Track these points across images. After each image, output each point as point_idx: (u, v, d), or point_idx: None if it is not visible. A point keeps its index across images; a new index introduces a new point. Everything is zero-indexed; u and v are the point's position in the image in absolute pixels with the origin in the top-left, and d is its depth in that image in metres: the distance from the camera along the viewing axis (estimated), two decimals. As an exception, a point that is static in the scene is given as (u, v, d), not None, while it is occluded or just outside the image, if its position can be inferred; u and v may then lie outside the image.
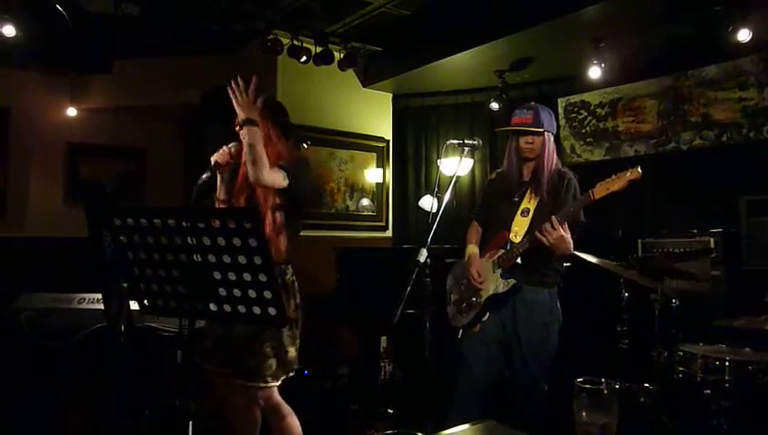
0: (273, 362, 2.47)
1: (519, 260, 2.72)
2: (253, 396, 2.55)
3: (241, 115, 2.47)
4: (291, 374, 2.58)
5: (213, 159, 2.53)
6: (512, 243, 2.73)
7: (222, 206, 2.62)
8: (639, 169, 2.42)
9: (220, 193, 2.62)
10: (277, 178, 2.48)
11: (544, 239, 2.54)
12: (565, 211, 2.59)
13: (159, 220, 1.80)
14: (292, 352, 2.55)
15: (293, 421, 2.61)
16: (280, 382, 2.54)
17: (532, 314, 2.72)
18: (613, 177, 2.48)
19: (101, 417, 3.17)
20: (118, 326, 2.77)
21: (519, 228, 2.73)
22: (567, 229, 2.55)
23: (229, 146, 2.55)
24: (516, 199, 2.81)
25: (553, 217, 2.54)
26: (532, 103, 2.89)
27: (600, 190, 2.50)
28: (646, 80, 4.98)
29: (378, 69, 5.79)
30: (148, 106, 6.00)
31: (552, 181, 2.76)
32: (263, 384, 2.47)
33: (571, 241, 2.58)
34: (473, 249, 2.95)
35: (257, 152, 2.42)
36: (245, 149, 2.45)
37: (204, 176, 2.46)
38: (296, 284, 2.62)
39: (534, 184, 2.78)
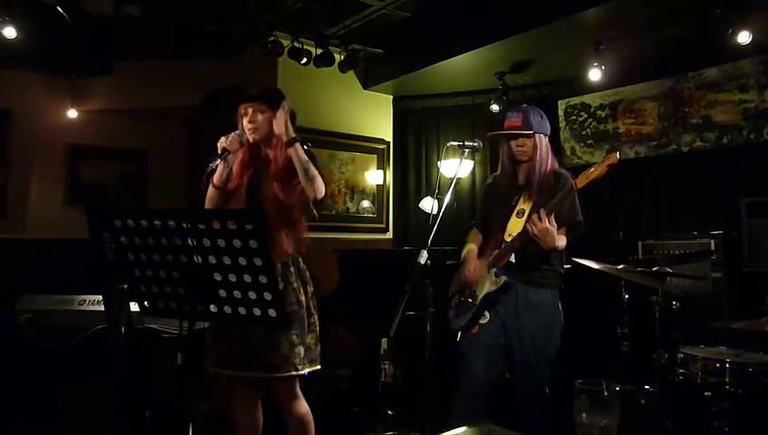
0: (301, 349, 2.47)
1: (513, 259, 2.73)
2: (279, 387, 2.52)
3: (284, 136, 2.50)
4: (317, 367, 2.56)
5: (221, 145, 2.51)
6: (505, 243, 2.74)
7: (217, 190, 2.58)
8: (617, 155, 2.45)
9: (218, 179, 2.57)
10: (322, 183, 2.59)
11: (529, 228, 2.58)
12: (551, 203, 2.60)
13: (160, 222, 1.81)
14: (312, 338, 2.56)
15: (310, 421, 2.61)
16: (307, 372, 2.52)
17: (535, 315, 2.72)
18: (593, 166, 2.50)
19: (102, 418, 3.17)
20: (118, 328, 2.77)
21: (514, 230, 2.73)
22: (554, 223, 2.57)
23: (237, 133, 2.55)
24: (513, 203, 2.81)
25: (541, 209, 2.57)
26: (524, 106, 2.88)
27: (581, 180, 2.53)
28: (646, 82, 4.99)
29: (378, 71, 5.80)
30: (148, 108, 6.00)
31: (549, 183, 2.76)
32: (294, 372, 2.45)
33: (557, 236, 2.59)
34: (470, 246, 2.97)
35: (313, 170, 2.51)
36: (300, 170, 2.48)
37: (213, 164, 2.47)
38: (308, 272, 2.63)
39: (529, 186, 2.78)
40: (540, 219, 2.54)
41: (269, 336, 2.41)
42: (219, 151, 2.50)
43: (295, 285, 2.53)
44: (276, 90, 2.78)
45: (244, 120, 2.58)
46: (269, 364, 2.43)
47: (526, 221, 2.70)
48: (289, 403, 2.56)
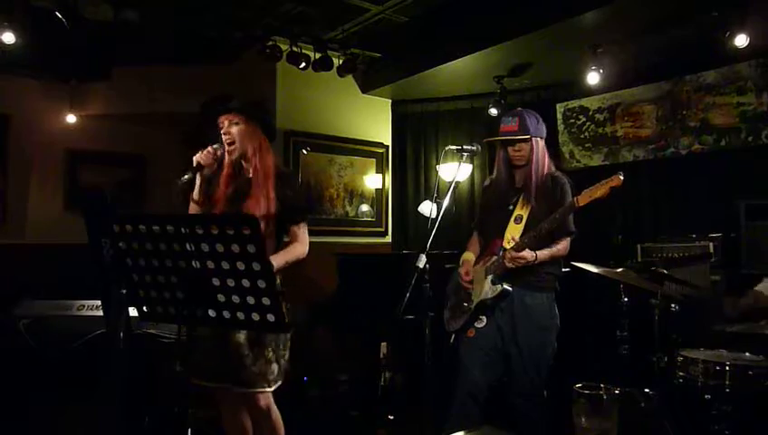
0: (275, 366, 2.47)
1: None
2: (254, 402, 2.50)
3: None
4: (280, 382, 2.53)
5: (196, 159, 2.48)
6: (504, 250, 2.74)
7: (196, 208, 2.55)
8: (621, 176, 2.46)
9: (198, 195, 2.54)
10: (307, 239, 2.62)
11: (506, 261, 2.65)
12: (551, 218, 2.60)
13: (158, 227, 1.80)
14: (286, 356, 2.54)
15: (280, 426, 2.59)
16: (275, 388, 2.51)
17: (530, 318, 2.72)
18: (596, 184, 2.50)
19: (100, 423, 3.17)
20: (117, 333, 2.77)
21: (512, 235, 2.73)
22: (530, 250, 2.63)
23: (214, 147, 2.51)
24: (510, 207, 2.81)
25: (517, 241, 2.63)
26: (518, 109, 2.88)
27: (583, 198, 2.54)
28: (644, 85, 4.99)
29: (377, 75, 5.81)
30: (147, 113, 6.00)
31: (546, 186, 2.76)
32: (267, 389, 2.45)
33: (533, 257, 2.63)
34: (467, 255, 2.97)
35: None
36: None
37: (185, 176, 2.44)
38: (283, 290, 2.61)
39: (527, 190, 2.78)
40: (515, 250, 2.62)
41: (247, 351, 2.40)
42: (194, 164, 2.46)
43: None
44: (259, 102, 2.70)
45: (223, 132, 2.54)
46: (242, 380, 2.41)
47: (525, 228, 2.71)
48: (261, 414, 2.53)
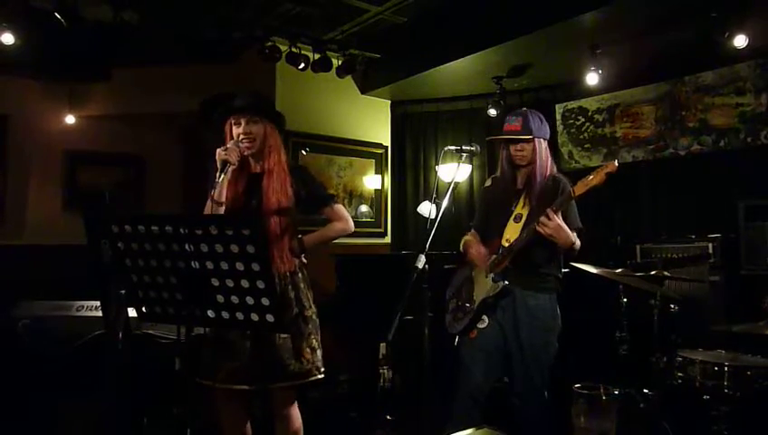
0: (319, 353, 2.56)
1: (508, 264, 2.72)
2: (288, 399, 2.55)
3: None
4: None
5: (222, 158, 2.38)
6: (503, 248, 2.74)
7: (215, 207, 2.46)
8: (616, 163, 2.44)
9: (219, 195, 2.44)
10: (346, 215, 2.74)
11: (543, 230, 2.54)
12: (558, 202, 2.57)
13: (157, 227, 1.80)
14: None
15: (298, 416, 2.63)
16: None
17: (533, 319, 2.71)
18: (592, 173, 2.48)
19: (100, 424, 3.16)
20: (116, 333, 2.77)
21: (511, 235, 2.73)
22: (562, 219, 2.55)
23: (235, 143, 2.45)
24: (512, 208, 2.81)
25: (549, 208, 2.54)
26: (524, 109, 2.88)
27: (579, 187, 2.51)
28: (643, 86, 5.00)
29: (376, 75, 5.80)
30: (146, 114, 6.00)
31: (546, 187, 2.76)
32: (319, 376, 2.53)
33: (570, 231, 2.57)
34: (468, 236, 2.96)
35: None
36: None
37: (222, 177, 2.36)
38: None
39: (528, 191, 2.78)
40: (549, 218, 2.52)
41: (290, 344, 2.44)
42: (219, 165, 2.37)
43: (306, 290, 2.58)
44: (266, 97, 2.72)
45: (238, 131, 2.50)
46: (295, 372, 2.44)
47: (524, 226, 2.70)
48: (289, 415, 2.56)
